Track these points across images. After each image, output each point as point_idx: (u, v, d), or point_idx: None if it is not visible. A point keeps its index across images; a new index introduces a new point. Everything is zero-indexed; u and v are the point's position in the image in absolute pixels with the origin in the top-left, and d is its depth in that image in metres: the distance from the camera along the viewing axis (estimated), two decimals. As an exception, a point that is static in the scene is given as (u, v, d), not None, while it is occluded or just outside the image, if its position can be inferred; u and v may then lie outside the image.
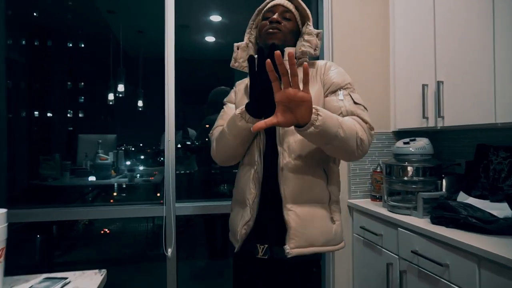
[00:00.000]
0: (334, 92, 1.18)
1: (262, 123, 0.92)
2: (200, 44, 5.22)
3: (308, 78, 0.87)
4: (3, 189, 2.22)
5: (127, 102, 5.13)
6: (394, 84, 2.23)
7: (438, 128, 1.82)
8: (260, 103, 1.05)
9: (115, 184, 3.70)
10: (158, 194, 2.99)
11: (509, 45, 1.41)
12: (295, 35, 1.26)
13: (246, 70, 1.23)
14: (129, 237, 3.86)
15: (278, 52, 0.86)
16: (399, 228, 1.68)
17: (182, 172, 3.78)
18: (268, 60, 0.88)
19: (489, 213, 1.40)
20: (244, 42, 1.31)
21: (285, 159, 1.13)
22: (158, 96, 2.03)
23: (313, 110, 0.93)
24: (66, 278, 0.91)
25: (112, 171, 3.54)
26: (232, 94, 1.39)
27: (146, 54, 5.09)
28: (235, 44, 1.31)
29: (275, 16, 1.21)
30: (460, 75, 1.67)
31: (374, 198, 2.12)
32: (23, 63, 3.90)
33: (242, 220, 1.17)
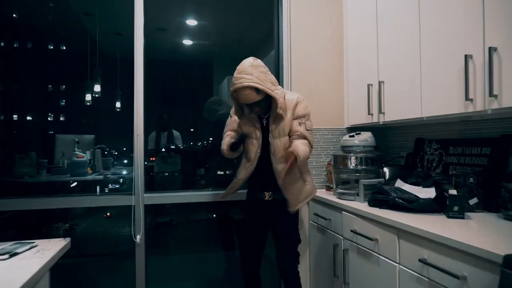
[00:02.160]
0: (297, 118, 1.82)
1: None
2: (179, 47, 5.37)
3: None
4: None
5: (104, 103, 5.23)
6: (347, 86, 2.45)
7: (381, 123, 2.04)
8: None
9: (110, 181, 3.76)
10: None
11: (432, 52, 1.64)
12: (267, 100, 1.78)
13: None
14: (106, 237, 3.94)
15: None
16: (343, 212, 1.88)
17: (166, 174, 3.94)
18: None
19: (414, 194, 1.61)
20: (233, 109, 1.91)
21: (274, 155, 1.82)
22: (146, 94, 2.18)
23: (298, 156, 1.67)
24: (33, 242, 1.07)
25: (89, 168, 3.64)
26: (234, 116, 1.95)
27: (124, 56, 5.20)
28: (231, 110, 1.95)
29: (254, 111, 1.81)
30: (396, 76, 1.89)
31: (328, 188, 2.32)
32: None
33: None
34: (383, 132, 2.44)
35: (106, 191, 3.60)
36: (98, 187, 3.64)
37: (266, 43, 3.63)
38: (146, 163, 2.23)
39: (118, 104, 4.97)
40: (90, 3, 4.33)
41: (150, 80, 2.36)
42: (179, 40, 5.26)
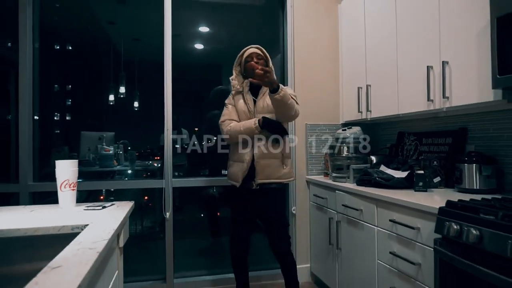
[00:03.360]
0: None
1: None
2: (191, 51, 5.83)
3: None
4: (36, 170, 2.77)
5: (124, 103, 5.73)
6: (342, 87, 2.88)
7: (368, 119, 2.48)
8: (268, 129, 2.06)
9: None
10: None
11: (405, 63, 2.07)
12: (265, 66, 2.11)
13: (240, 89, 2.20)
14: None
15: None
16: (336, 191, 2.32)
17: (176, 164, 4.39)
18: (252, 63, 2.10)
19: (391, 175, 2.05)
20: (234, 75, 2.23)
21: (261, 141, 2.09)
22: (152, 97, 2.62)
23: (280, 86, 1.89)
24: (113, 203, 1.52)
25: (114, 161, 4.12)
26: (231, 99, 2.24)
27: (142, 60, 5.67)
28: (231, 78, 2.24)
29: (255, 60, 2.12)
30: (379, 81, 2.33)
31: (326, 175, 2.76)
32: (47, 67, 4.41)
33: (241, 169, 2.08)
34: (372, 127, 2.88)
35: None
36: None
37: (271, 48, 4.06)
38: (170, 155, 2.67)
39: (136, 104, 5.46)
40: (112, 13, 4.81)
41: (163, 82, 2.77)
42: (191, 45, 5.72)
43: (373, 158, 2.47)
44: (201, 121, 5.10)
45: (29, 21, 2.53)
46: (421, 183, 1.87)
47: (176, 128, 4.69)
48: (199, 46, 5.91)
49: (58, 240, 1.10)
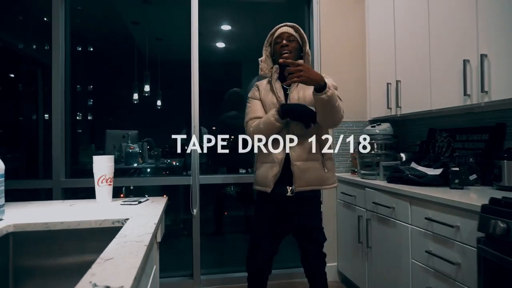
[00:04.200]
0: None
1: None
2: (212, 49, 5.87)
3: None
4: (67, 166, 2.85)
5: (148, 102, 5.81)
6: (369, 84, 2.83)
7: (398, 115, 2.42)
8: (289, 116, 1.76)
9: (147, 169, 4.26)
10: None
11: (439, 57, 2.01)
12: (299, 50, 1.89)
13: (268, 75, 1.93)
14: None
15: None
16: (366, 189, 2.28)
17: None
18: (282, 60, 1.66)
19: (424, 172, 2.00)
20: (263, 57, 1.94)
21: (293, 142, 1.79)
22: (175, 96, 2.64)
23: (327, 85, 1.57)
24: (148, 198, 1.53)
25: (140, 158, 4.18)
26: (255, 92, 1.95)
27: (164, 59, 5.75)
28: (260, 59, 1.94)
29: (284, 42, 1.84)
30: (410, 76, 2.27)
31: (353, 172, 2.72)
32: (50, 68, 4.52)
33: (273, 173, 1.79)
34: (401, 124, 2.81)
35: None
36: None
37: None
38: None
39: (159, 103, 5.53)
40: (137, 13, 4.88)
41: (187, 80, 2.78)
42: (213, 43, 5.75)
43: (403, 155, 2.42)
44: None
45: (61, 23, 2.58)
46: (457, 181, 1.81)
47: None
48: (220, 44, 5.94)
49: (99, 234, 1.12)
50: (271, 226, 1.85)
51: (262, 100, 1.90)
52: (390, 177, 2.13)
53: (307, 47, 1.87)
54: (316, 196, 1.87)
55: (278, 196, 1.80)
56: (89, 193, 3.01)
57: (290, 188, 1.78)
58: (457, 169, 1.83)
